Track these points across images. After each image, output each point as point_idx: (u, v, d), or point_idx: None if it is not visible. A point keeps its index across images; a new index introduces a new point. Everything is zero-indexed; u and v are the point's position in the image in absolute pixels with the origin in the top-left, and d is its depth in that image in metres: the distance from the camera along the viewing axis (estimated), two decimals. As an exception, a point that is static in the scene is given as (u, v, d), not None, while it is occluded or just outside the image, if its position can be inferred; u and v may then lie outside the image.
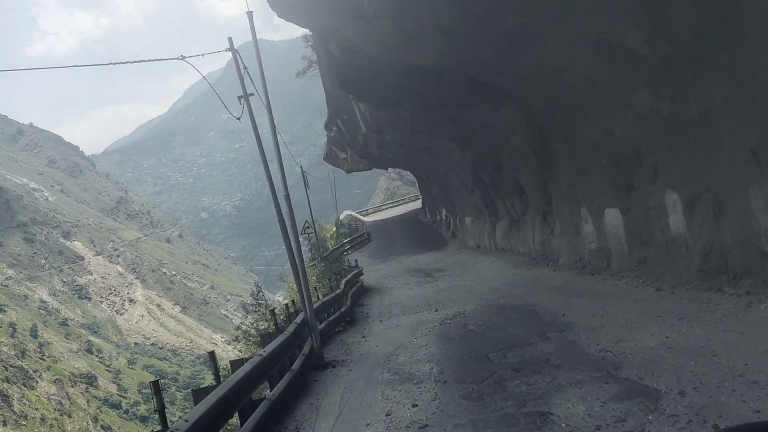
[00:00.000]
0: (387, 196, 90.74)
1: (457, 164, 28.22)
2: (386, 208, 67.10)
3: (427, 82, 18.05)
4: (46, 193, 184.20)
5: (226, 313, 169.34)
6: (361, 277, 24.84)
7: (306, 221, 31.24)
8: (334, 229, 53.30)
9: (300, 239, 32.29)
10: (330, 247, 41.04)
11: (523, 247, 23.91)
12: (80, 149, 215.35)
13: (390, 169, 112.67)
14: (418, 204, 55.13)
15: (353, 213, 58.76)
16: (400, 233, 44.27)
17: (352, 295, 20.01)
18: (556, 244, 19.85)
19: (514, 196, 23.18)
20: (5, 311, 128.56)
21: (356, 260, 27.98)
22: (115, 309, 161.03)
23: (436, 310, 15.80)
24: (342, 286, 18.20)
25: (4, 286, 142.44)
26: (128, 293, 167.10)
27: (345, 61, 19.63)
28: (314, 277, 24.39)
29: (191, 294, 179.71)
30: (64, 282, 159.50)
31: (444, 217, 40.58)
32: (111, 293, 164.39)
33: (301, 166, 31.95)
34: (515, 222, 24.85)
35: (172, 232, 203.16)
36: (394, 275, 26.94)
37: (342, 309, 16.46)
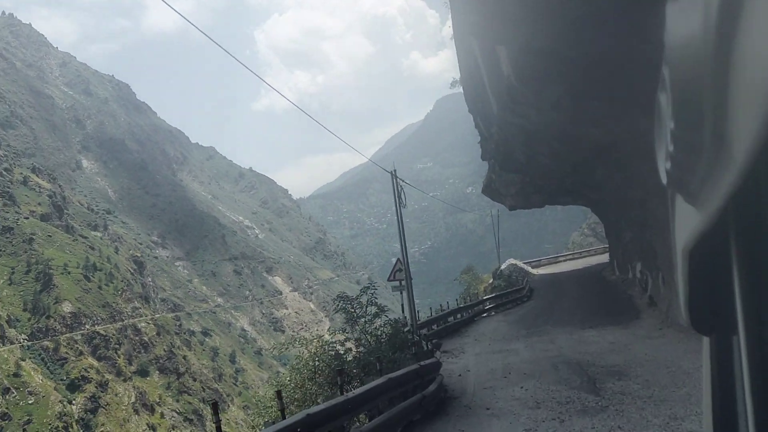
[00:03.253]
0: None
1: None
2: (564, 260, 51.61)
3: None
4: (257, 231, 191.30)
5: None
6: (437, 377, 11.44)
7: (397, 260, 18.95)
8: (491, 280, 39.90)
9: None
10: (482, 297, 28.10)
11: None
12: (289, 192, 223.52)
13: (584, 225, 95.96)
14: (605, 258, 39.91)
15: (518, 263, 44.69)
16: (571, 294, 29.62)
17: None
18: None
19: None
20: (211, 336, 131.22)
21: (434, 348, 14.80)
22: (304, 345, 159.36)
23: None
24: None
25: (213, 312, 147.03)
26: (317, 330, 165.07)
27: None
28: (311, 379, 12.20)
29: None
30: (263, 314, 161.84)
31: (638, 275, 25.52)
32: (302, 328, 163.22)
33: (393, 171, 19.74)
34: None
35: (362, 274, 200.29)
36: (527, 372, 13.29)
37: None
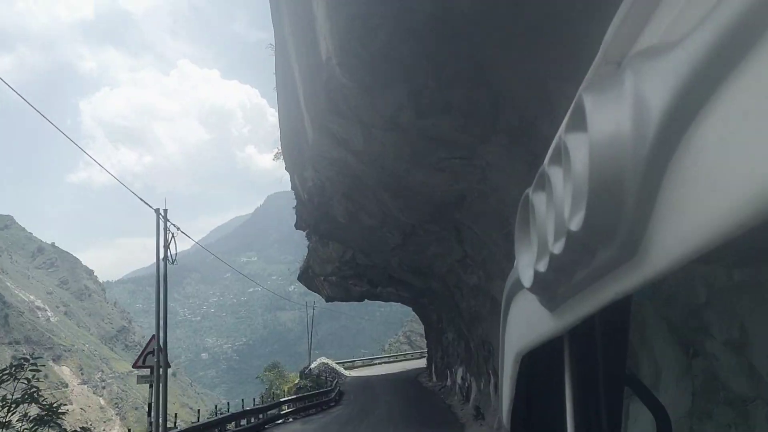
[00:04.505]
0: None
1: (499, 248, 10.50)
2: (380, 363, 48.03)
3: None
4: (50, 313, 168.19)
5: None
6: None
7: (152, 337, 13.35)
8: (298, 380, 34.61)
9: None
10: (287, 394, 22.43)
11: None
12: (95, 274, 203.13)
13: (400, 332, 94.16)
14: (422, 362, 37.22)
15: (330, 362, 39.98)
16: (387, 400, 25.52)
17: None
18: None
19: None
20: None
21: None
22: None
23: None
24: None
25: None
26: (104, 430, 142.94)
27: None
28: None
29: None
30: (41, 409, 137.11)
31: (459, 381, 22.01)
32: (88, 426, 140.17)
33: (159, 210, 14.46)
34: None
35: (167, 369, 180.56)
36: None
37: None
